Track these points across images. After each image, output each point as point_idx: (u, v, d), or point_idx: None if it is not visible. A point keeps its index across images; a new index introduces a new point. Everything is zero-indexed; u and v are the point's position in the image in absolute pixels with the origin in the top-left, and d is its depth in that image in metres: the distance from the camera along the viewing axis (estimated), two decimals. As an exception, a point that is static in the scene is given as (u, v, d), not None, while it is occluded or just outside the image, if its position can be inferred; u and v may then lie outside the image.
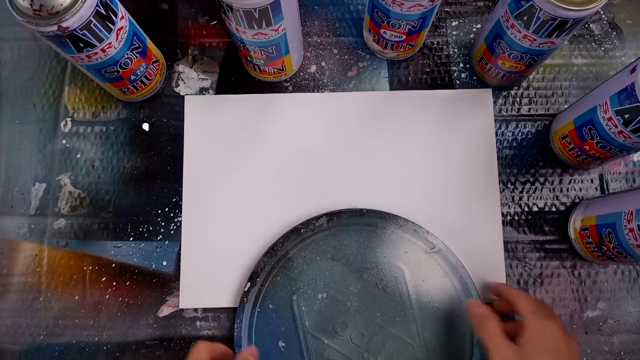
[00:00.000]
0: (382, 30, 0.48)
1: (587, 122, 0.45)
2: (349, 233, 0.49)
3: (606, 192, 0.51)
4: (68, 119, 0.53)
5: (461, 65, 0.54)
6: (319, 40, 0.55)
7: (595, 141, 0.45)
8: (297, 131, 0.53)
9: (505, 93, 0.53)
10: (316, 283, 0.48)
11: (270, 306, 0.47)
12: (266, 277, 0.48)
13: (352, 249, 0.48)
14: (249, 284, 0.48)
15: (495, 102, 0.53)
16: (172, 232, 0.51)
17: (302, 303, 0.47)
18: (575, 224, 0.49)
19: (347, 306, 0.47)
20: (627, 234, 0.42)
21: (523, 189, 0.52)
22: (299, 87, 0.54)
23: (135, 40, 0.46)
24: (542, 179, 0.52)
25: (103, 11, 0.41)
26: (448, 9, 0.55)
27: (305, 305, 0.47)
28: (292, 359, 0.47)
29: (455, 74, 0.54)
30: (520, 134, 0.53)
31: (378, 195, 0.50)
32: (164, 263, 0.50)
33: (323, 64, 0.54)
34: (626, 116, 0.40)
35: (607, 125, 0.42)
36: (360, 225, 0.49)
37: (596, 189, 0.52)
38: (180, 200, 0.51)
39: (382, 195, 0.50)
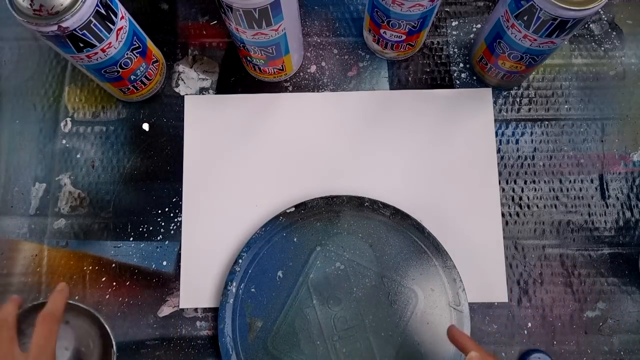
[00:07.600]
0: (382, 30, 0.48)
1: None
2: (399, 236, 0.49)
3: (606, 194, 0.51)
4: (68, 119, 0.53)
5: (461, 65, 0.54)
6: (319, 40, 0.55)
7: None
8: (297, 131, 0.53)
9: (505, 93, 0.53)
10: (343, 252, 0.48)
11: (295, 239, 0.48)
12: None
13: (392, 249, 0.48)
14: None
15: (495, 102, 0.53)
16: (172, 232, 0.51)
17: (320, 257, 0.48)
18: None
19: (352, 290, 0.48)
20: (510, 32, 0.44)
21: (523, 188, 0.52)
22: (299, 87, 0.54)
23: (135, 40, 0.46)
24: (542, 179, 0.52)
25: (103, 11, 0.41)
26: (448, 9, 0.55)
27: (320, 262, 0.48)
28: (282, 291, 0.48)
29: (455, 74, 0.54)
30: (520, 134, 0.53)
31: (378, 195, 0.50)
32: (164, 263, 0.50)
33: (323, 64, 0.54)
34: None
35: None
36: (414, 236, 0.48)
37: (596, 189, 0.51)
38: (180, 200, 0.51)
39: (383, 195, 0.50)
